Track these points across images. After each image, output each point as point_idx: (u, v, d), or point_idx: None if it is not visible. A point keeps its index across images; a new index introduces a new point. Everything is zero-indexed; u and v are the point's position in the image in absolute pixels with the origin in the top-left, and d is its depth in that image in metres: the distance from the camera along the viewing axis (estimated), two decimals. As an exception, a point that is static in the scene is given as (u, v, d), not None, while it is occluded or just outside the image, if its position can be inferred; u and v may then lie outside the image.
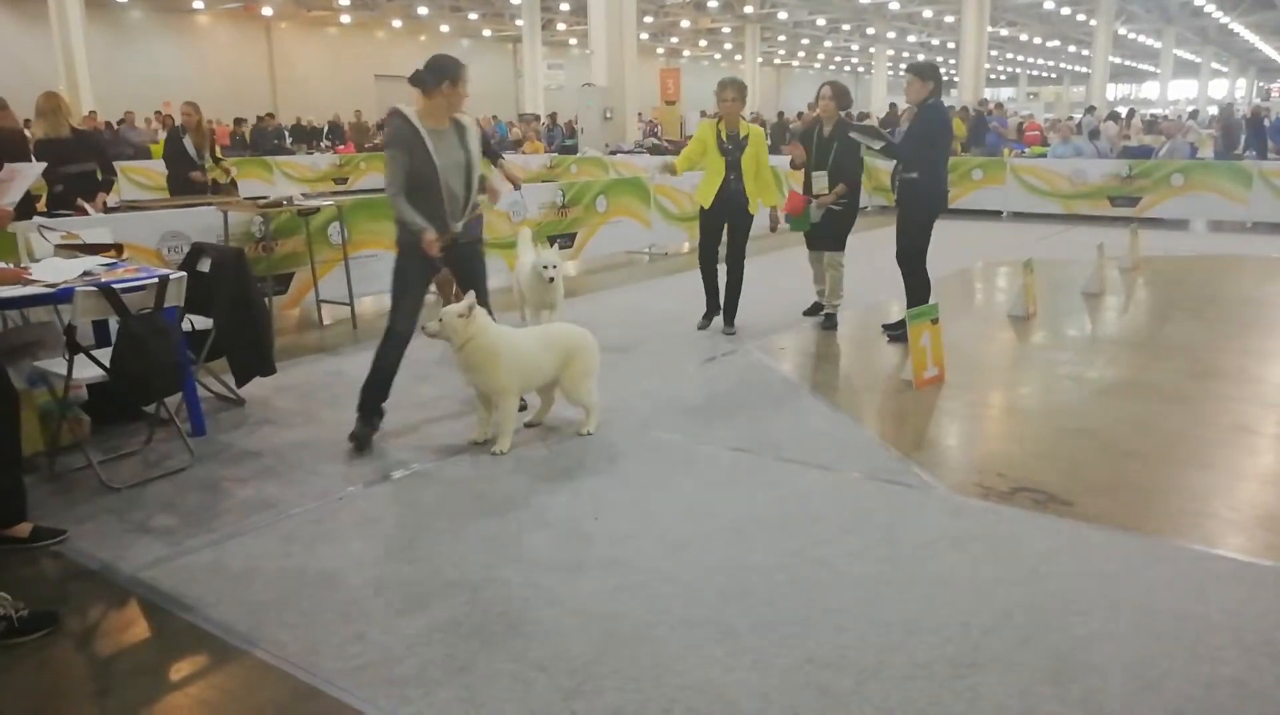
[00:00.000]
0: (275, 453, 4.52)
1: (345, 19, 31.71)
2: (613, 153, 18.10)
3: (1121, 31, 38.63)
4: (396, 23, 33.27)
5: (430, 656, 2.78)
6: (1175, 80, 44.62)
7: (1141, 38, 42.44)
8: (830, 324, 7.06)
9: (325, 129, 23.71)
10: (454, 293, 4.83)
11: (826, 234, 6.91)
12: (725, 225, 6.66)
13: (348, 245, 7.38)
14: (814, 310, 7.36)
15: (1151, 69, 47.22)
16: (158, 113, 22.00)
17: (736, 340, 6.61)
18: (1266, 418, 4.95)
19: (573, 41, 37.79)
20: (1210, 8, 34.51)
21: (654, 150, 18.64)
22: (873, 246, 8.36)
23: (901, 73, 6.98)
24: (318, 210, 7.21)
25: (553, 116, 23.80)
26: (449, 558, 3.42)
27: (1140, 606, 3.03)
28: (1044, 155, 15.00)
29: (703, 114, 13.93)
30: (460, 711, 2.52)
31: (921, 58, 6.88)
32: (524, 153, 20.15)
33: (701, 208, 6.67)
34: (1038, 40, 43.17)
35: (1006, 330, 7.09)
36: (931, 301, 6.02)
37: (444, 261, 4.48)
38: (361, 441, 4.50)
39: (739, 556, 3.41)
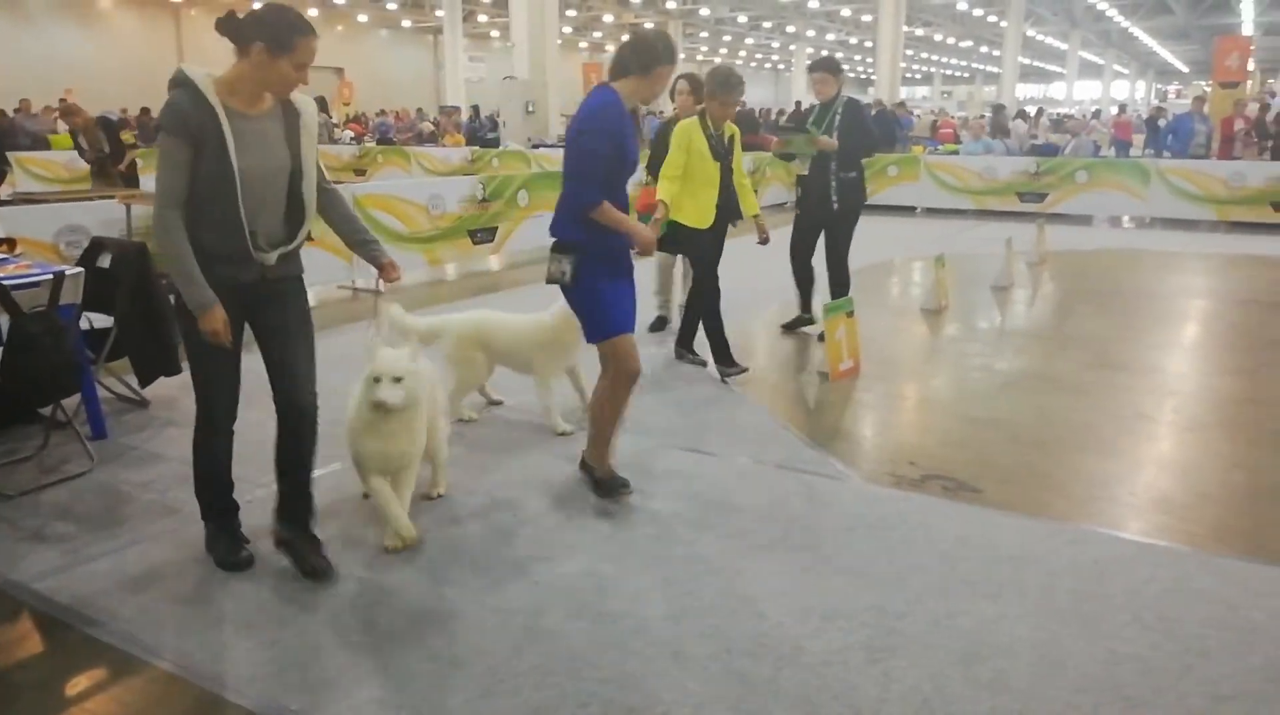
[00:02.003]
0: (180, 455, 4.32)
1: (258, 7, 30.80)
2: (535, 146, 17.97)
3: (1031, 33, 39.93)
4: (312, 12, 32.41)
5: (346, 658, 2.72)
6: (1080, 81, 46.37)
7: (1049, 40, 43.97)
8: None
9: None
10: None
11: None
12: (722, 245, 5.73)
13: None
14: (795, 324, 6.81)
15: (1059, 70, 48.95)
16: (62, 100, 21.00)
17: (661, 336, 6.61)
18: (1164, 406, 5.17)
19: (495, 34, 37.39)
20: (1112, 12, 35.91)
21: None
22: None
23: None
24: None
25: (475, 109, 23.52)
26: (363, 556, 3.35)
27: (1046, 588, 3.13)
28: (956, 152, 15.42)
29: (650, 112, 13.73)
30: (376, 713, 2.47)
31: (826, 56, 6.90)
32: (444, 145, 19.88)
33: (696, 230, 5.47)
34: (951, 40, 44.35)
35: (920, 323, 7.26)
36: (848, 296, 6.13)
37: (241, 318, 3.08)
38: (236, 562, 3.28)
39: (658, 548, 3.42)
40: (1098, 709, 2.49)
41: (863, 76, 51.40)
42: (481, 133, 20.64)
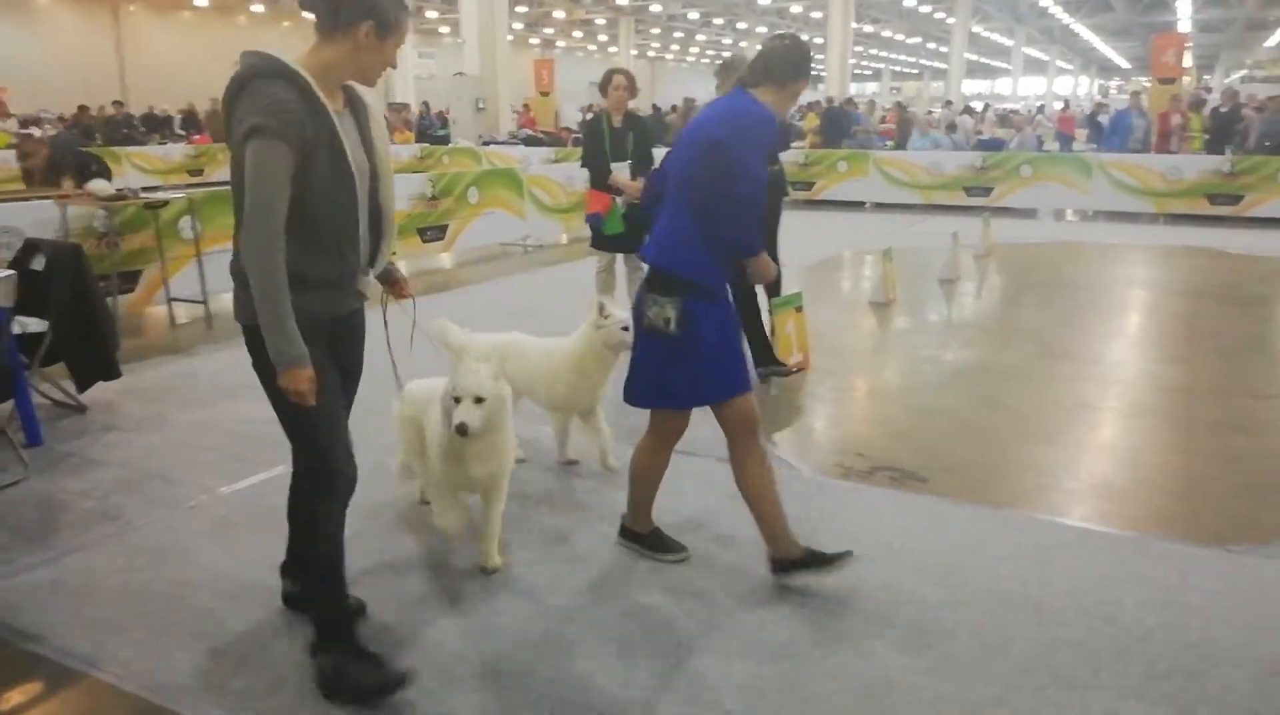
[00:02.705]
0: (121, 461, 4.25)
1: (201, 2, 30.19)
2: (485, 143, 17.84)
3: (977, 30, 40.56)
4: (258, 7, 31.88)
5: (291, 667, 2.67)
6: (1026, 77, 47.19)
7: (995, 36, 44.68)
8: None
9: (179, 118, 22.48)
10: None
11: (633, 233, 6.04)
12: None
13: (201, 240, 7.02)
14: None
15: (1005, 66, 49.79)
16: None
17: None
18: (1106, 394, 5.29)
19: (445, 30, 37.04)
20: (1055, 9, 36.61)
21: (529, 141, 18.46)
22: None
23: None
24: (166, 203, 6.84)
25: (424, 106, 23.28)
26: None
27: (990, 574, 3.19)
28: (899, 148, 15.62)
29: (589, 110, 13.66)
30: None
31: (734, 56, 6.90)
32: (393, 142, 19.64)
33: None
34: (900, 37, 44.89)
35: (868, 316, 7.34)
36: (796, 290, 6.17)
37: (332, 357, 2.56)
38: (400, 679, 2.54)
39: (606, 546, 3.41)
40: (1040, 692, 2.54)
41: (813, 73, 51.91)
42: (431, 130, 20.44)
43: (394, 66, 2.57)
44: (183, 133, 21.17)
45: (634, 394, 3.14)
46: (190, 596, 3.07)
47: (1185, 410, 5.00)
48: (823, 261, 9.66)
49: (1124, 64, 54.42)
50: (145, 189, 7.52)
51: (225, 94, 2.34)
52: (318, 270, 2.42)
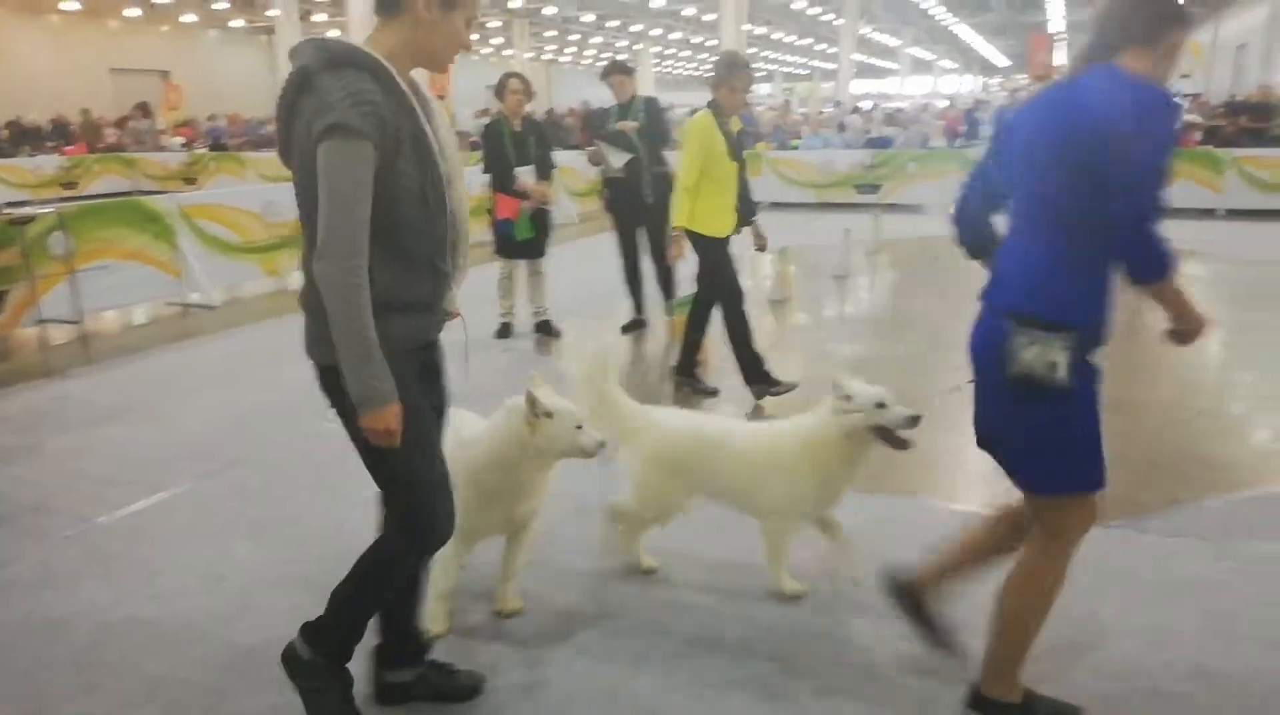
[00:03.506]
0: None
1: (72, 6, 28.69)
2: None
3: (865, 32, 41.73)
4: (133, 11, 30.52)
5: (177, 698, 2.56)
6: (913, 76, 48.81)
7: (882, 37, 46.05)
8: (555, 331, 6.51)
9: (48, 128, 21.33)
10: None
11: (540, 237, 6.26)
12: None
13: (75, 257, 6.67)
14: (632, 326, 6.66)
15: (893, 66, 51.37)
16: None
17: (506, 343, 6.50)
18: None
19: (334, 33, 36.16)
20: (938, 10, 37.94)
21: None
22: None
23: (659, 69, 6.86)
24: (33, 219, 6.48)
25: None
26: (198, 590, 3.17)
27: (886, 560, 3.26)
28: (796, 148, 15.95)
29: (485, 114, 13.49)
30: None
31: (617, 60, 6.86)
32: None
33: (715, 239, 4.89)
34: (791, 39, 45.84)
35: (766, 314, 7.46)
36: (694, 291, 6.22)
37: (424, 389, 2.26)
38: None
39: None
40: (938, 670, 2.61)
41: (708, 75, 52.58)
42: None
43: (468, 47, 2.19)
44: (53, 144, 20.07)
45: (1034, 477, 2.32)
46: (69, 633, 2.91)
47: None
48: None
49: (1004, 62, 56.76)
50: (12, 204, 7.12)
51: (284, 93, 2.03)
52: (409, 290, 2.09)
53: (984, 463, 4.23)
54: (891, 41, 46.01)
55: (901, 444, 2.90)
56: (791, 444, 3.02)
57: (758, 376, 5.14)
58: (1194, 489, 3.91)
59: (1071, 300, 2.18)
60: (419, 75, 2.18)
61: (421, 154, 2.04)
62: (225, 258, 8.13)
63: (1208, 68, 29.50)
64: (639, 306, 6.76)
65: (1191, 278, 9.17)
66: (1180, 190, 12.67)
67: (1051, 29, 33.93)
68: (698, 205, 4.79)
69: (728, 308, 5.04)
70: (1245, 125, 13.78)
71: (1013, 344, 2.19)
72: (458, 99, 23.63)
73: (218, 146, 19.15)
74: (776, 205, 14.81)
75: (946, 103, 29.12)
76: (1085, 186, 2.08)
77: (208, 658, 2.75)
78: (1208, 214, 12.41)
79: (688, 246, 4.89)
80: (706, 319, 5.11)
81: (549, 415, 2.59)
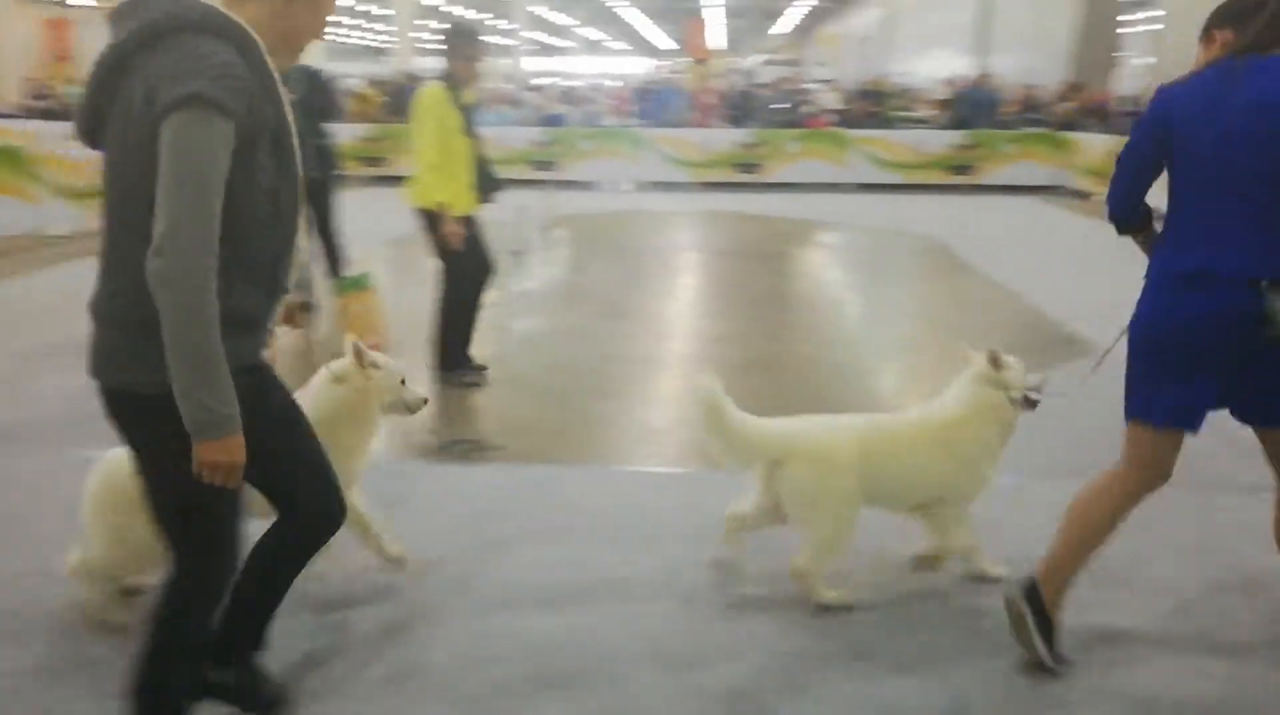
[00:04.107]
0: None
1: None
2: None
3: (539, 10, 42.20)
4: None
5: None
6: (588, 56, 50.19)
7: (557, 16, 46.81)
8: None
9: None
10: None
11: None
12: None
13: None
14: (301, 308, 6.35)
15: (567, 45, 52.47)
16: None
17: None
18: (662, 348, 5.81)
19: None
20: (605, -8, 39.20)
21: (47, 115, 15.81)
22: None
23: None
24: None
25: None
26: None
27: (579, 513, 3.39)
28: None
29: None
30: None
31: None
32: None
33: (453, 218, 4.61)
34: (469, 12, 45.25)
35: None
36: (367, 269, 5.98)
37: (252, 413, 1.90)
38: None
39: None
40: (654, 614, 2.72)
41: (377, 45, 50.57)
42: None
43: (321, 35, 1.97)
44: None
45: None
46: None
47: (721, 357, 5.65)
48: (396, 239, 9.48)
49: (670, 45, 59.99)
50: None
51: (111, 53, 1.70)
52: (247, 302, 1.83)
53: (645, 425, 4.50)
54: (565, 20, 46.96)
55: (1033, 406, 2.91)
56: (972, 423, 2.87)
57: (454, 363, 4.97)
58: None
59: None
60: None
61: (282, 150, 1.82)
62: None
63: (840, 58, 33.19)
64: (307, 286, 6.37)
65: (827, 244, 10.31)
66: (812, 167, 14.20)
67: (707, 15, 36.31)
68: (440, 184, 4.54)
69: (469, 286, 4.88)
70: (868, 109, 15.60)
71: (1274, 307, 2.27)
72: (87, 59, 20.85)
73: None
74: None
75: (620, 82, 30.23)
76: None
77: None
78: (836, 188, 13.95)
79: (451, 225, 4.59)
80: (459, 300, 4.90)
81: (375, 366, 2.66)
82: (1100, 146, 13.20)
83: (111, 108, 1.73)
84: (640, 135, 14.91)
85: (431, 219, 4.65)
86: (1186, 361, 2.38)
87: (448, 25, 5.01)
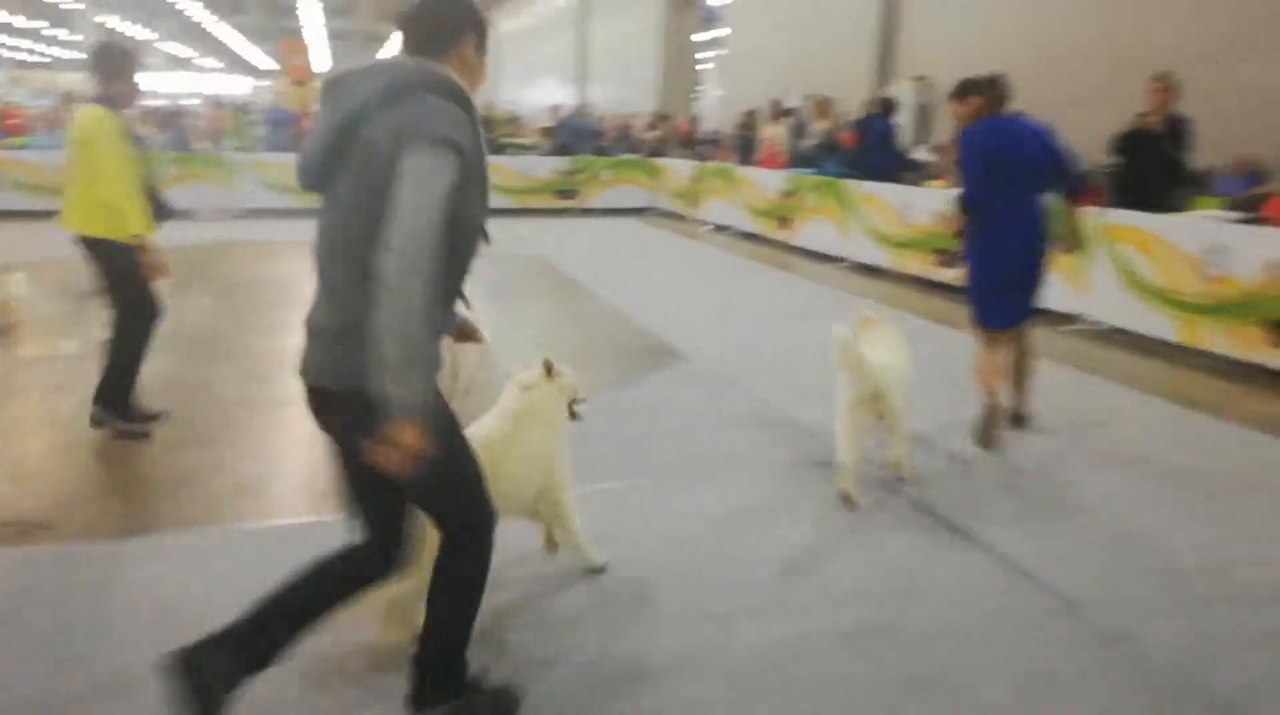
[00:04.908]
0: None
1: None
2: None
3: (110, 21, 37.76)
4: None
5: None
6: (171, 73, 45.69)
7: (134, 29, 42.15)
8: None
9: None
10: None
11: None
12: None
13: None
14: None
15: (150, 61, 47.47)
16: None
17: None
18: (263, 389, 5.39)
19: None
20: (193, 6, 36.06)
21: None
22: None
23: None
24: None
25: None
26: None
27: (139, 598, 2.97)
28: (26, 146, 13.78)
29: None
30: None
31: None
32: None
33: (123, 245, 4.34)
34: (18, 20, 39.31)
35: (-8, 346, 6.28)
36: None
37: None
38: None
39: None
40: None
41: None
42: None
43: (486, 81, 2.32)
44: None
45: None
46: None
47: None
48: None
49: (270, 65, 56.64)
50: None
51: (359, 105, 2.05)
52: (443, 313, 2.18)
53: (244, 477, 4.12)
54: (143, 34, 42.48)
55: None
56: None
57: (118, 404, 4.56)
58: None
59: None
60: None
61: (482, 191, 2.16)
62: None
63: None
64: None
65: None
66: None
67: (307, 36, 34.95)
68: (96, 208, 4.21)
69: (137, 321, 4.53)
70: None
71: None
72: None
73: None
74: (9, 213, 12.53)
75: (212, 103, 27.87)
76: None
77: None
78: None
79: (155, 255, 4.41)
80: (132, 334, 4.53)
81: (560, 374, 3.06)
82: (686, 172, 14.61)
83: (348, 145, 2.05)
84: (232, 160, 13.86)
85: (110, 250, 4.31)
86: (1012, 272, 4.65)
87: (98, 44, 4.58)
